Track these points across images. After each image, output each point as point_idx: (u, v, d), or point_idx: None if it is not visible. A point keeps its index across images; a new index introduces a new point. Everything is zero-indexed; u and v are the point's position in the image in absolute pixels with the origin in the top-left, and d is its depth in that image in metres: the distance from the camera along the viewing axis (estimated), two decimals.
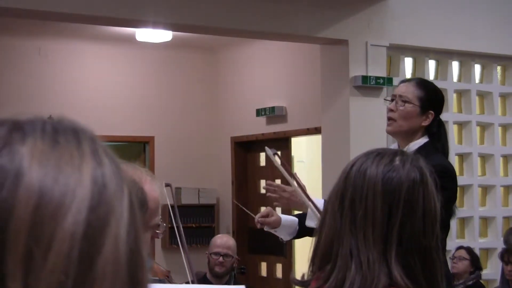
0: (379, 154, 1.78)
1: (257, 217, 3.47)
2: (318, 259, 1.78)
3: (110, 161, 0.76)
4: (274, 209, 3.62)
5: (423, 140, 3.40)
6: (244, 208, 3.79)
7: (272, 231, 3.53)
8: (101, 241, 0.71)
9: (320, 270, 1.76)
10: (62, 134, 0.75)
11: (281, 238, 3.63)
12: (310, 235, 3.67)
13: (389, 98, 3.55)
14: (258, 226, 3.48)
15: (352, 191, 1.74)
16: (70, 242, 0.69)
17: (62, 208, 0.70)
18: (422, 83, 3.52)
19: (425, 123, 3.41)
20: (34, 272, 0.68)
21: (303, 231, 3.50)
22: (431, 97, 3.44)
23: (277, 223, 3.46)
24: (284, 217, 3.52)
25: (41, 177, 0.71)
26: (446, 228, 3.08)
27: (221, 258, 5.51)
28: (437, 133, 3.44)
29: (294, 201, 3.38)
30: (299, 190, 3.28)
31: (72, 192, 0.71)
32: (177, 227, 3.36)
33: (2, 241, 0.68)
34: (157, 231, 2.02)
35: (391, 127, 3.44)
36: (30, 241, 0.69)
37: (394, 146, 3.51)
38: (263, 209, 9.42)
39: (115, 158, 0.77)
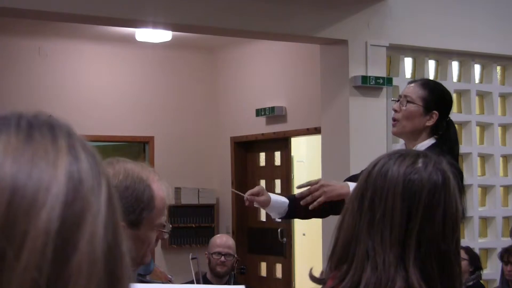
0: (401, 155, 1.76)
1: (246, 194, 3.47)
2: (335, 258, 1.76)
3: (87, 156, 0.74)
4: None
5: (430, 141, 3.39)
6: (237, 192, 3.78)
7: (264, 209, 3.55)
8: (77, 238, 0.70)
9: (336, 269, 1.74)
10: (37, 129, 0.73)
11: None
12: (300, 217, 3.69)
13: (396, 99, 3.57)
14: (247, 203, 3.49)
15: (372, 191, 1.72)
16: (44, 239, 0.68)
17: (35, 204, 0.69)
18: (427, 84, 3.53)
19: (429, 123, 3.40)
20: (7, 271, 0.67)
21: (292, 212, 3.53)
22: (436, 98, 3.43)
23: (267, 202, 3.47)
24: (274, 197, 3.52)
25: (14, 173, 0.69)
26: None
27: (222, 258, 5.50)
28: (445, 135, 3.42)
29: (330, 196, 3.31)
30: None
31: (46, 188, 0.70)
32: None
33: None
34: (163, 231, 2.01)
35: (395, 128, 3.46)
36: (2, 238, 0.67)
37: (400, 146, 3.51)
38: (263, 210, 9.41)
39: (94, 153, 0.76)
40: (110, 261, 0.72)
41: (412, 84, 3.52)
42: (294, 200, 3.50)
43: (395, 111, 3.44)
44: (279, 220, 3.66)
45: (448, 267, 1.70)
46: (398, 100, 3.49)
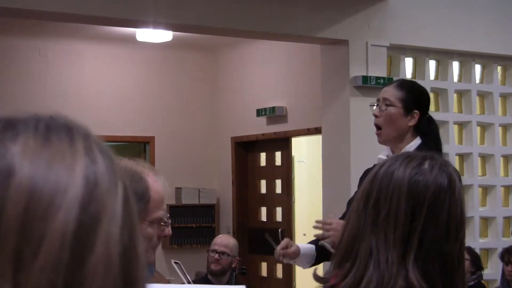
0: (408, 157, 1.78)
1: (278, 249, 3.48)
2: (339, 256, 1.78)
3: (104, 159, 0.75)
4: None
5: (416, 142, 3.36)
6: (271, 241, 3.76)
7: (291, 261, 3.56)
8: (93, 240, 0.70)
9: (340, 267, 1.76)
10: (55, 132, 0.74)
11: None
12: (328, 260, 3.69)
13: (374, 103, 3.52)
14: (280, 258, 3.50)
15: (378, 191, 1.74)
16: (60, 241, 0.69)
17: (52, 206, 0.70)
18: (404, 84, 3.49)
19: (411, 123, 3.37)
20: (24, 271, 0.68)
21: (320, 257, 3.52)
22: (414, 97, 3.41)
23: (297, 253, 3.49)
24: (303, 246, 3.53)
25: (32, 175, 0.70)
26: None
27: (217, 255, 5.52)
28: (428, 132, 3.40)
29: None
30: None
31: (63, 190, 0.70)
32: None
33: None
34: (163, 224, 2.00)
35: (380, 138, 3.43)
36: (20, 240, 0.68)
37: (386, 151, 3.46)
38: (263, 210, 9.41)
39: (111, 155, 0.77)
40: (126, 263, 0.73)
41: (388, 87, 3.49)
42: (316, 245, 3.50)
43: (376, 116, 3.41)
44: (308, 267, 3.58)
45: (451, 269, 1.70)
46: (376, 105, 3.45)
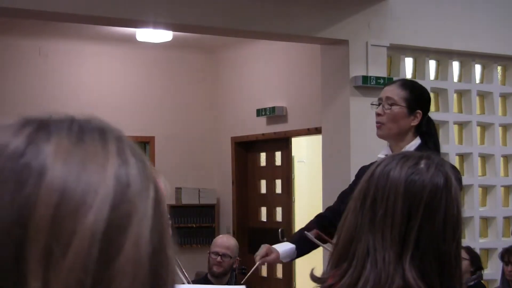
0: (404, 157, 1.79)
1: (257, 258, 3.61)
2: (336, 256, 1.78)
3: (136, 161, 0.76)
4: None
5: (416, 141, 3.37)
6: (252, 269, 3.93)
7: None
8: (122, 240, 0.71)
9: (337, 267, 1.76)
10: (88, 133, 0.75)
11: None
12: (309, 252, 3.85)
13: (376, 103, 3.51)
14: (261, 266, 3.69)
15: (375, 191, 1.75)
16: (90, 240, 0.70)
17: (83, 206, 0.70)
18: (407, 84, 3.49)
19: (414, 123, 3.38)
20: (54, 269, 0.69)
21: (303, 250, 3.68)
22: (417, 97, 3.42)
23: (277, 258, 3.62)
24: (281, 249, 3.65)
25: (64, 175, 0.71)
26: None
27: (219, 258, 5.51)
28: (427, 132, 3.41)
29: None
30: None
31: (94, 190, 0.71)
32: None
33: (23, 238, 0.69)
34: None
35: (380, 131, 3.42)
36: (50, 238, 0.69)
37: (385, 150, 3.45)
38: (263, 209, 9.40)
39: (143, 158, 0.78)
40: (155, 265, 0.74)
41: (390, 86, 3.48)
42: (299, 240, 3.64)
43: (379, 114, 3.40)
44: (289, 260, 3.81)
45: (448, 268, 1.71)
46: (379, 104, 3.45)
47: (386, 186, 1.73)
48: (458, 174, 3.23)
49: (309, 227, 3.63)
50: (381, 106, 3.42)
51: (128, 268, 0.71)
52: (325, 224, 3.58)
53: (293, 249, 3.63)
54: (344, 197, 3.48)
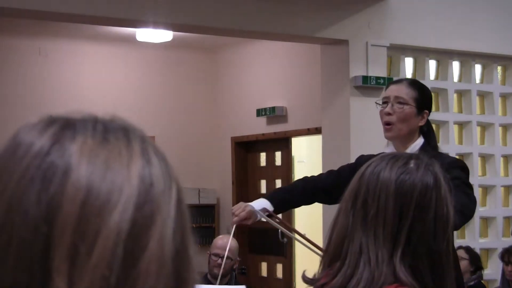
0: (394, 157, 1.81)
1: (233, 224, 3.59)
2: (329, 256, 1.79)
3: (159, 161, 0.77)
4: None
5: (420, 141, 3.36)
6: (233, 229, 3.89)
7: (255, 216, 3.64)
8: (146, 239, 0.72)
9: (330, 267, 1.78)
10: (112, 133, 0.76)
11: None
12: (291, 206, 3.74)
13: (380, 102, 3.47)
14: (235, 223, 3.58)
15: (365, 191, 1.76)
16: (115, 239, 0.70)
17: (108, 205, 0.71)
18: (414, 83, 3.46)
19: (422, 123, 3.37)
20: (79, 267, 0.70)
21: (283, 204, 3.71)
22: (425, 97, 3.41)
23: (251, 213, 3.51)
24: (254, 204, 3.57)
25: (89, 174, 0.72)
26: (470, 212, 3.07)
27: (219, 260, 5.49)
28: (428, 131, 3.40)
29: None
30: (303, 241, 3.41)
31: (119, 189, 0.72)
32: None
33: (49, 236, 0.70)
34: None
35: (391, 133, 3.35)
36: (76, 236, 0.70)
37: (390, 149, 3.42)
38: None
39: (166, 158, 0.79)
40: (178, 264, 0.75)
41: (397, 85, 3.44)
42: (274, 199, 3.63)
43: (389, 114, 3.34)
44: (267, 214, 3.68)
45: (439, 266, 1.73)
46: (384, 103, 3.41)
47: (377, 186, 1.75)
48: (460, 165, 3.24)
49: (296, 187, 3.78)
50: (389, 105, 3.36)
51: (152, 267, 0.72)
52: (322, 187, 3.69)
53: (268, 205, 3.57)
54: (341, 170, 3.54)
